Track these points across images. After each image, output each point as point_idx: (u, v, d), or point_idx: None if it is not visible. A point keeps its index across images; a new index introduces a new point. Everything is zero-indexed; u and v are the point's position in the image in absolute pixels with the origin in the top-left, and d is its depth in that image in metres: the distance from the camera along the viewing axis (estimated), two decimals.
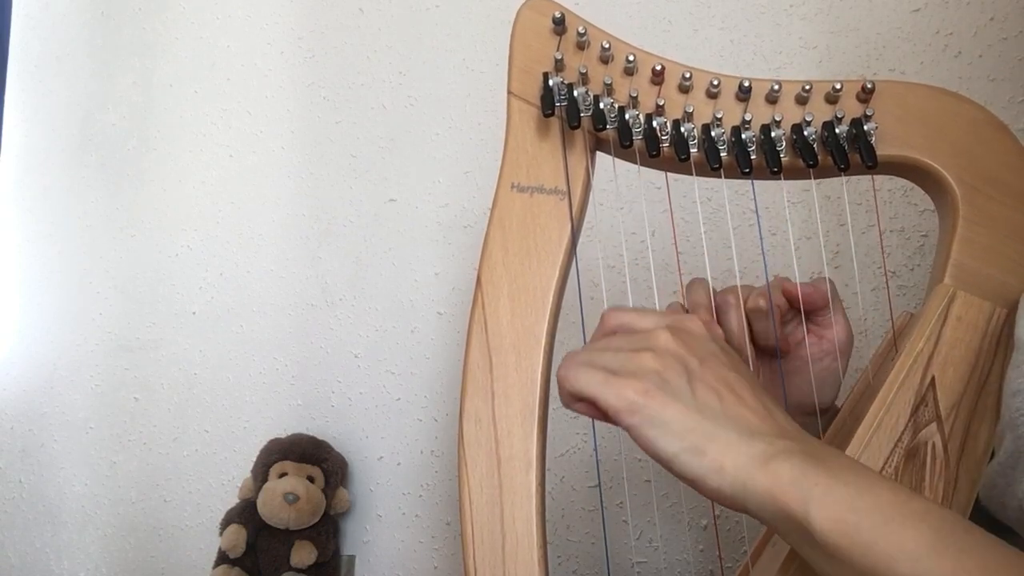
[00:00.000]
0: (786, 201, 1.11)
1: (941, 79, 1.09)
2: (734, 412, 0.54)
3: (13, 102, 1.57)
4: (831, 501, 0.47)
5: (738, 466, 0.51)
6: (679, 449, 0.52)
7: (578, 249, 0.67)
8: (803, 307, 0.71)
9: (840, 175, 0.65)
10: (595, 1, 1.00)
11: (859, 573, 0.46)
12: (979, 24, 1.08)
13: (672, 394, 0.54)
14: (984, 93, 1.07)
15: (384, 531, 1.30)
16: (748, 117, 0.65)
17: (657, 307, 1.11)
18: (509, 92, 0.67)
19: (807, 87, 0.65)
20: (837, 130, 0.64)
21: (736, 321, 0.70)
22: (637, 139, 0.65)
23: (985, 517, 0.56)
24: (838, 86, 0.64)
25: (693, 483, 0.53)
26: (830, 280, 0.72)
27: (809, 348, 0.72)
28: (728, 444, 0.52)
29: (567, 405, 0.58)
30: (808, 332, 0.73)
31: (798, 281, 0.71)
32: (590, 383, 0.56)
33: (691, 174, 0.67)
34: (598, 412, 0.56)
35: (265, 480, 1.24)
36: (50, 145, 1.57)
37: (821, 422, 0.72)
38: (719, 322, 0.70)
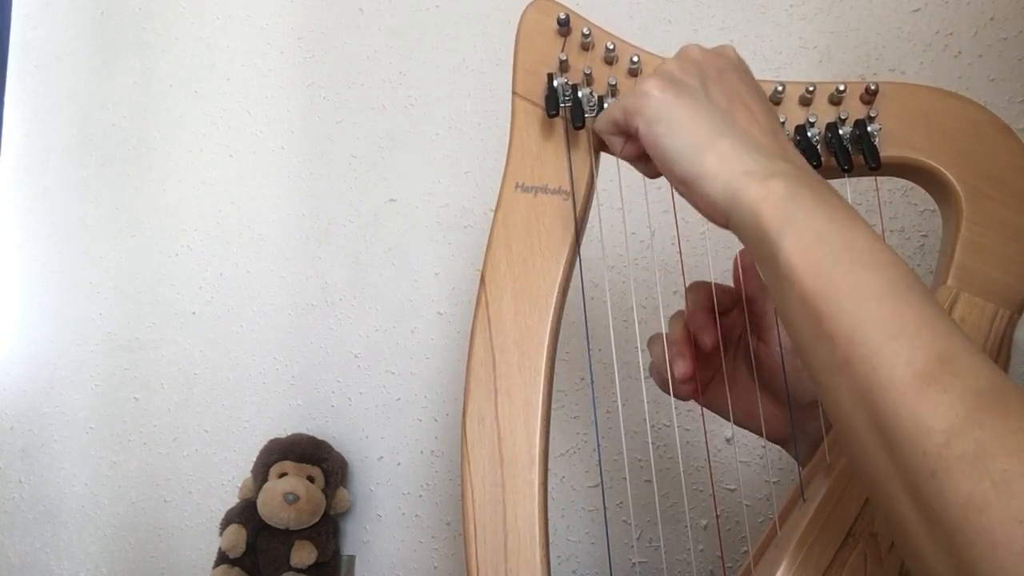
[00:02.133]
0: None
1: (941, 79, 1.09)
2: (743, 122, 0.54)
3: (13, 102, 1.57)
4: (807, 228, 0.47)
5: (733, 175, 0.51)
6: (682, 146, 0.53)
7: (580, 249, 0.67)
8: (746, 303, 0.72)
9: (843, 176, 0.65)
10: (596, 1, 1.00)
11: (805, 300, 0.46)
12: (979, 24, 1.09)
13: (686, 91, 0.55)
14: (984, 93, 1.07)
15: (384, 531, 1.30)
16: None
17: (660, 308, 1.11)
18: (514, 93, 0.67)
19: (811, 88, 0.65)
20: (840, 131, 0.65)
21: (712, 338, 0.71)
22: None
23: None
24: (842, 87, 0.65)
25: (687, 184, 0.53)
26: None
27: (770, 348, 0.73)
28: (729, 151, 0.52)
29: (605, 135, 0.60)
30: (761, 335, 0.74)
31: None
32: (616, 102, 0.59)
33: None
34: (627, 135, 0.57)
35: (265, 480, 1.24)
36: (50, 145, 1.57)
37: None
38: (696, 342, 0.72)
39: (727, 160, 0.51)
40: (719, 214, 0.52)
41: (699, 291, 0.73)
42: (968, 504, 0.38)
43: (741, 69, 0.59)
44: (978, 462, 0.38)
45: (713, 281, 0.73)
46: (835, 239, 0.47)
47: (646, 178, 0.65)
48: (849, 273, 0.45)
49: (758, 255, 0.50)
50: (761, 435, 0.76)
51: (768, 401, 0.76)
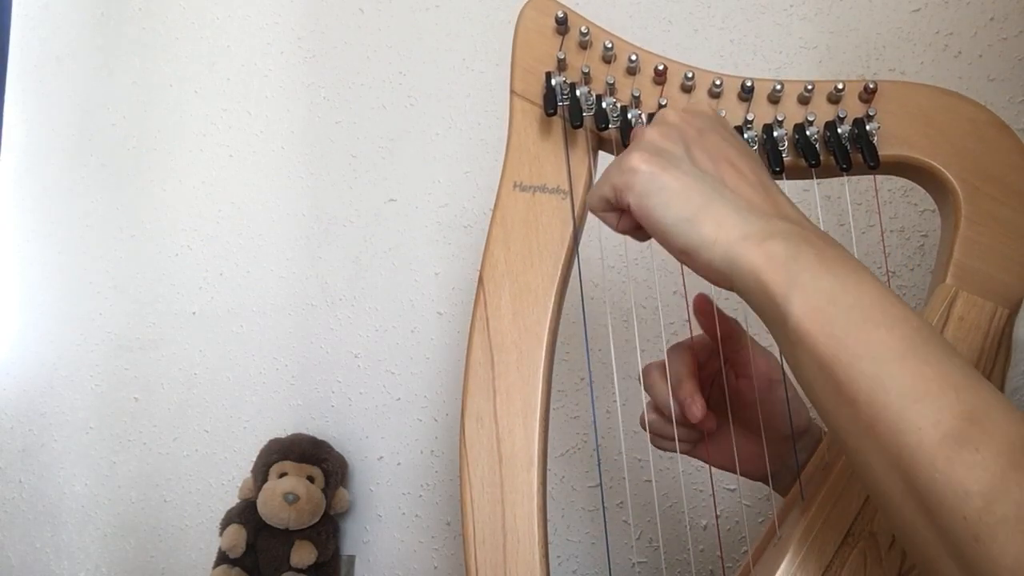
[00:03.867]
0: None
1: (941, 79, 1.09)
2: (732, 184, 0.53)
3: (13, 102, 1.57)
4: (814, 289, 0.46)
5: (730, 241, 0.50)
6: (676, 218, 0.52)
7: (579, 249, 0.67)
8: (720, 341, 0.72)
9: (842, 175, 0.65)
10: (595, 1, 1.00)
11: (820, 363, 0.45)
12: (979, 24, 1.08)
13: (671, 160, 0.54)
14: (984, 93, 1.07)
15: (384, 531, 1.30)
16: (750, 117, 0.65)
17: (659, 309, 1.11)
18: (512, 91, 0.67)
19: (809, 87, 0.65)
20: (839, 130, 0.64)
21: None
22: None
23: None
24: (840, 86, 0.65)
25: (686, 254, 0.53)
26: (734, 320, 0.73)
27: (749, 381, 0.73)
28: (723, 217, 0.51)
29: (598, 212, 0.59)
30: (738, 372, 0.73)
31: None
32: (603, 179, 0.57)
33: None
34: (620, 210, 0.57)
35: (265, 480, 1.23)
36: (50, 145, 1.57)
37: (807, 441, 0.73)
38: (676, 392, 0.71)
39: (722, 227, 0.50)
40: (723, 280, 0.51)
41: (680, 358, 0.72)
42: (1016, 567, 0.38)
43: (720, 125, 0.58)
44: (1021, 524, 0.38)
45: (691, 336, 0.73)
46: (843, 298, 0.46)
47: None
48: (862, 333, 0.44)
49: (766, 319, 0.49)
50: (740, 475, 0.76)
51: (748, 439, 0.75)
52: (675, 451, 0.75)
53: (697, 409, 0.69)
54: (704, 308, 0.72)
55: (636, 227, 0.56)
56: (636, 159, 0.54)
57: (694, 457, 0.77)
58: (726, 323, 0.72)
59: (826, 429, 0.72)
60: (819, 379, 0.46)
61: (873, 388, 0.43)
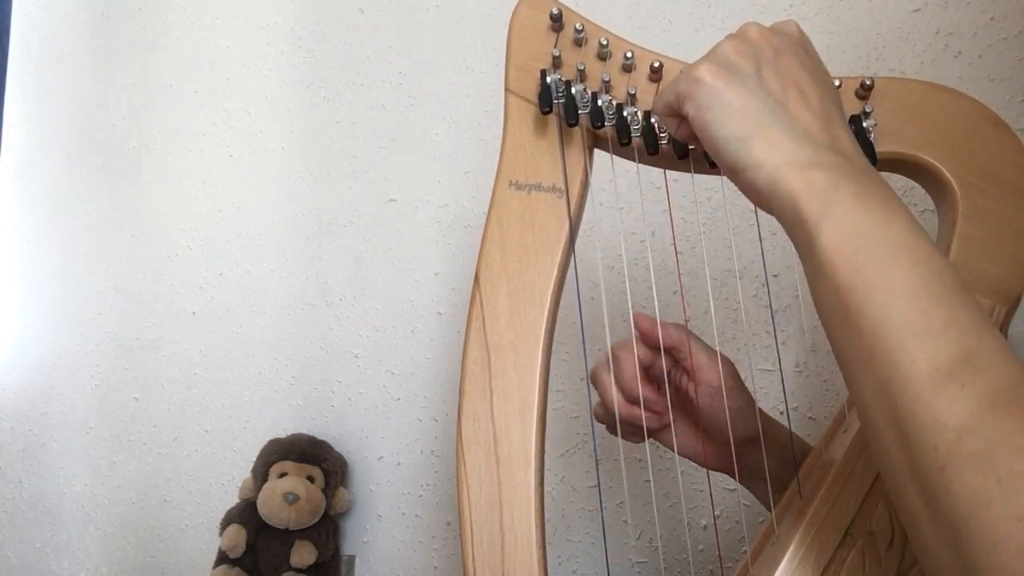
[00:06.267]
0: None
1: (941, 79, 1.08)
2: (794, 109, 0.53)
3: (13, 102, 1.58)
4: (844, 221, 0.47)
5: (777, 165, 0.50)
6: (729, 135, 0.53)
7: (577, 249, 0.67)
8: (664, 348, 0.74)
9: None
10: (595, 1, 1.00)
11: (836, 293, 0.46)
12: (979, 24, 1.08)
13: (737, 76, 0.54)
14: (984, 93, 1.06)
15: (384, 531, 1.30)
16: None
17: (656, 310, 1.11)
18: (506, 89, 0.67)
19: None
20: None
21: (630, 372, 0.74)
22: (636, 136, 0.65)
23: None
24: (837, 83, 0.64)
25: (733, 172, 0.53)
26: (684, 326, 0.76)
27: (700, 387, 0.75)
28: (776, 141, 0.51)
29: (661, 116, 0.60)
30: (692, 375, 0.75)
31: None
32: (672, 84, 0.57)
33: (690, 171, 0.67)
34: (681, 117, 0.57)
35: (265, 480, 1.23)
36: (50, 145, 1.57)
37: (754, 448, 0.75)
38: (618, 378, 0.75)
39: (773, 150, 0.51)
40: (763, 201, 0.52)
41: (621, 359, 0.75)
42: (972, 500, 0.38)
43: (801, 48, 0.58)
44: (986, 459, 0.39)
45: (633, 335, 0.75)
46: (871, 233, 0.46)
47: (642, 178, 0.64)
48: (880, 267, 0.45)
49: (797, 245, 0.50)
50: (705, 466, 0.80)
51: (707, 437, 0.78)
52: (631, 440, 0.78)
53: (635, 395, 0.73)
54: (645, 328, 0.75)
55: (693, 136, 0.57)
56: (703, 70, 0.54)
57: (660, 443, 0.80)
58: (669, 335, 0.74)
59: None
60: (834, 309, 0.47)
61: (878, 319, 0.44)
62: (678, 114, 0.57)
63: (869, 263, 0.46)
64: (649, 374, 0.76)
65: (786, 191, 0.49)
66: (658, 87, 0.66)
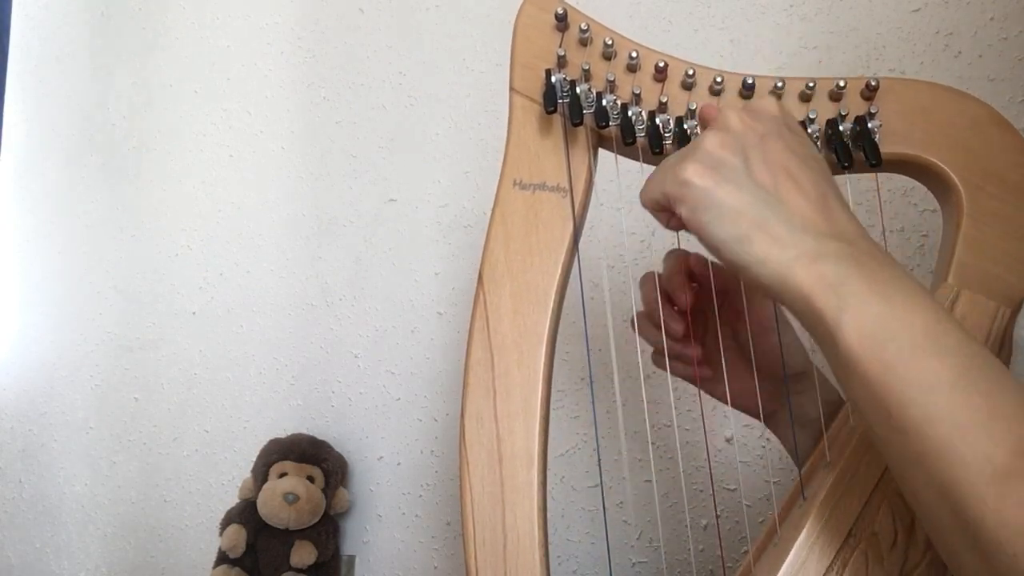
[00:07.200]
0: None
1: (941, 79, 1.08)
2: (789, 199, 0.52)
3: (13, 102, 1.57)
4: (865, 314, 0.46)
5: (780, 261, 0.49)
6: (727, 236, 0.51)
7: (580, 248, 0.66)
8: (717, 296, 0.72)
9: (843, 173, 0.64)
10: (595, 1, 1.00)
11: (871, 390, 0.45)
12: (979, 24, 1.08)
13: (726, 175, 0.53)
14: (984, 93, 1.06)
15: (384, 531, 1.30)
16: None
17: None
18: (511, 88, 0.67)
19: (811, 84, 0.65)
20: (841, 127, 0.64)
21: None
22: (640, 136, 0.65)
23: None
24: (842, 83, 0.64)
25: (738, 271, 0.52)
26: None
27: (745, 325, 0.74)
28: (776, 236, 0.50)
29: (650, 211, 0.59)
30: (737, 314, 0.74)
31: None
32: (658, 180, 0.56)
33: None
34: (673, 214, 0.56)
35: (265, 480, 1.23)
36: (50, 145, 1.57)
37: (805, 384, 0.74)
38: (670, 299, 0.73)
39: (774, 246, 0.50)
40: (772, 295, 0.51)
41: (673, 258, 0.74)
42: None
43: (784, 128, 0.56)
44: None
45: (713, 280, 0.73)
46: (894, 324, 0.45)
47: (644, 177, 0.64)
48: (913, 361, 0.44)
49: (816, 339, 0.49)
50: (756, 416, 0.78)
51: (749, 375, 0.75)
52: (675, 373, 0.78)
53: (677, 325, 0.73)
54: (701, 271, 0.72)
55: (685, 227, 0.56)
56: (691, 171, 0.53)
57: (702, 388, 0.79)
58: (721, 278, 0.72)
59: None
60: (870, 405, 0.46)
61: (922, 419, 0.43)
62: (667, 209, 0.56)
63: (899, 358, 0.44)
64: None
65: (795, 288, 0.49)
66: (663, 87, 0.66)
